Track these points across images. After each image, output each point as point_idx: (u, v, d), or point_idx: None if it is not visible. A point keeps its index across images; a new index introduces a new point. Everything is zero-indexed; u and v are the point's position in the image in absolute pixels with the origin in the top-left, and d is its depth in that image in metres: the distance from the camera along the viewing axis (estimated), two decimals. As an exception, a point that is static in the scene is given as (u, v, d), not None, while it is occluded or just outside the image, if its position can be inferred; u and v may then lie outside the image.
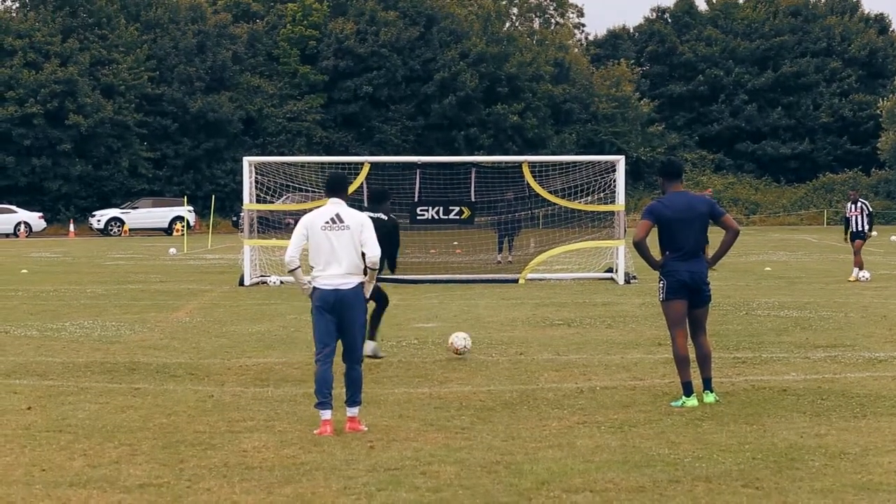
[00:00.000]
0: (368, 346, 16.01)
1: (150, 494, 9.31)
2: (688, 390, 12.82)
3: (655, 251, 12.94)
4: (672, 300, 12.91)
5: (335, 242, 11.72)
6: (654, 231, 12.98)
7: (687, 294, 12.89)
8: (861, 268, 30.75)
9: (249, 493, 9.32)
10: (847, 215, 31.68)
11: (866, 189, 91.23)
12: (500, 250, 37.19)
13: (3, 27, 79.17)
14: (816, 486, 9.34)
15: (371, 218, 15.56)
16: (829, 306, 23.67)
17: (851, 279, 30.44)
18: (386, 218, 16.42)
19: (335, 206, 11.94)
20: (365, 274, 11.86)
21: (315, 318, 11.83)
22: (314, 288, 11.81)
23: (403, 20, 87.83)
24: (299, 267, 11.94)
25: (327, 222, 11.80)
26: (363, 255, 11.81)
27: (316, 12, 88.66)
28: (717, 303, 21.96)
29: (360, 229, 11.81)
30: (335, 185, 12.13)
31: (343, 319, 11.72)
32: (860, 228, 31.15)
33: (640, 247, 12.82)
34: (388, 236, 15.71)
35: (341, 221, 11.79)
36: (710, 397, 12.89)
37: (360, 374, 11.79)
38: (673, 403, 12.80)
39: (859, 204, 31.49)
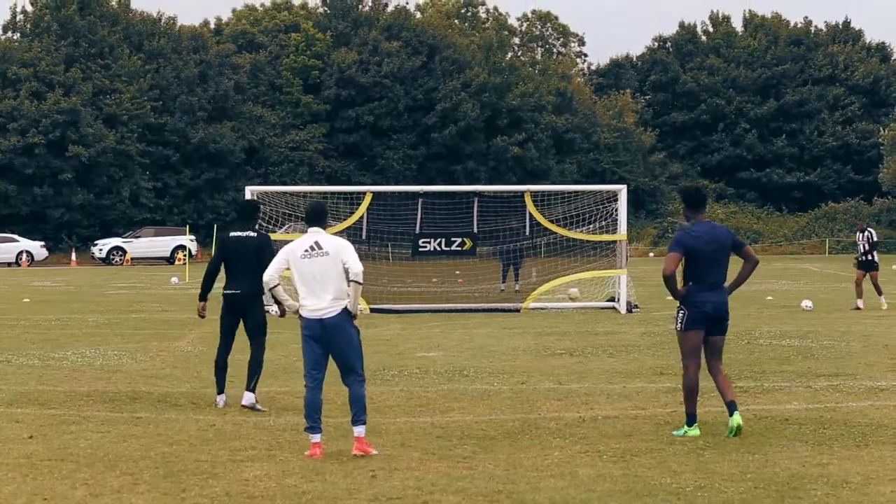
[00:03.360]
0: (247, 397, 14.92)
1: (151, 524, 9.32)
2: (691, 420, 12.78)
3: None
4: (690, 331, 12.79)
5: (316, 270, 11.90)
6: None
7: (706, 325, 12.78)
8: (880, 293, 31.02)
9: (251, 522, 9.32)
10: (858, 243, 32.03)
11: (868, 217, 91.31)
12: (505, 279, 37.11)
13: (7, 57, 79.42)
14: (818, 516, 9.34)
15: (237, 238, 15.26)
16: (830, 335, 23.65)
17: (885, 307, 30.50)
18: (255, 234, 15.38)
19: (314, 234, 12.15)
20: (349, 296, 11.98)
21: (303, 346, 12.10)
22: (300, 316, 12.02)
23: (406, 50, 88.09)
24: (279, 284, 12.30)
25: (306, 251, 12.00)
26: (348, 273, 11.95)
27: (319, 42, 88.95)
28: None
29: (340, 253, 11.94)
30: (314, 215, 12.33)
31: (331, 346, 11.91)
32: (868, 258, 31.29)
33: (670, 280, 12.64)
34: (257, 250, 15.00)
35: (320, 248, 11.96)
36: (737, 419, 12.67)
37: (362, 394, 11.85)
38: (675, 433, 12.80)
39: (866, 233, 31.72)
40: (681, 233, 12.96)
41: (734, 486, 10.33)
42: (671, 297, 13.16)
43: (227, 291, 15.28)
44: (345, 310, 11.89)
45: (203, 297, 15.59)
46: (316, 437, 11.86)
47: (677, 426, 13.06)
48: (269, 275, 12.25)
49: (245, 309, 15.27)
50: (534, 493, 10.12)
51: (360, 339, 12.08)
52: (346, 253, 11.95)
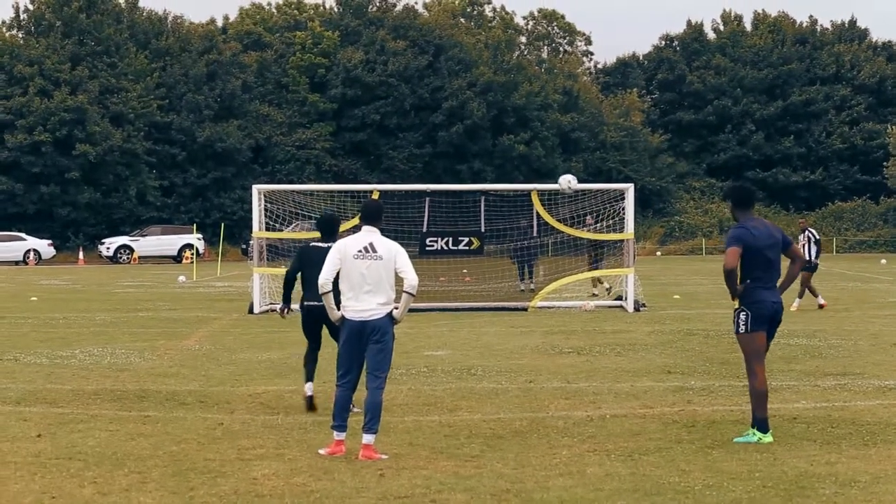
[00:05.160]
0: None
1: (160, 522, 9.32)
2: (764, 427, 12.36)
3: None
4: (757, 332, 12.39)
5: (366, 272, 11.71)
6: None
7: (767, 325, 12.50)
8: (815, 294, 30.68)
9: (260, 520, 9.32)
10: (801, 245, 31.69)
11: (875, 217, 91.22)
12: (522, 277, 36.96)
13: (14, 54, 79.52)
14: (827, 515, 9.33)
15: (318, 248, 14.52)
16: (838, 334, 23.64)
17: (793, 309, 30.08)
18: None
19: (369, 234, 11.93)
20: (397, 300, 11.85)
21: (340, 345, 11.93)
22: (343, 318, 11.84)
23: (412, 49, 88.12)
24: (332, 291, 11.93)
25: (360, 251, 11.78)
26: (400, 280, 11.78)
27: (326, 40, 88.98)
28: (727, 331, 21.95)
29: (394, 258, 11.78)
30: (370, 213, 12.06)
31: (369, 346, 11.76)
32: (808, 258, 30.87)
33: (732, 275, 12.25)
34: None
35: (374, 251, 11.76)
36: (768, 437, 12.38)
37: (381, 401, 11.76)
38: (744, 440, 12.37)
39: (807, 233, 31.48)
40: (740, 229, 12.43)
41: (742, 484, 10.32)
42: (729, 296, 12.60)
43: (308, 303, 14.78)
44: (389, 314, 11.82)
45: (285, 302, 15.45)
46: (340, 436, 11.85)
47: (688, 426, 13.03)
48: (325, 277, 11.89)
49: (327, 318, 14.05)
50: (542, 491, 10.12)
51: (394, 345, 12.03)
52: (401, 261, 11.78)
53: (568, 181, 30.17)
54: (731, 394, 15.53)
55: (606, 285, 35.11)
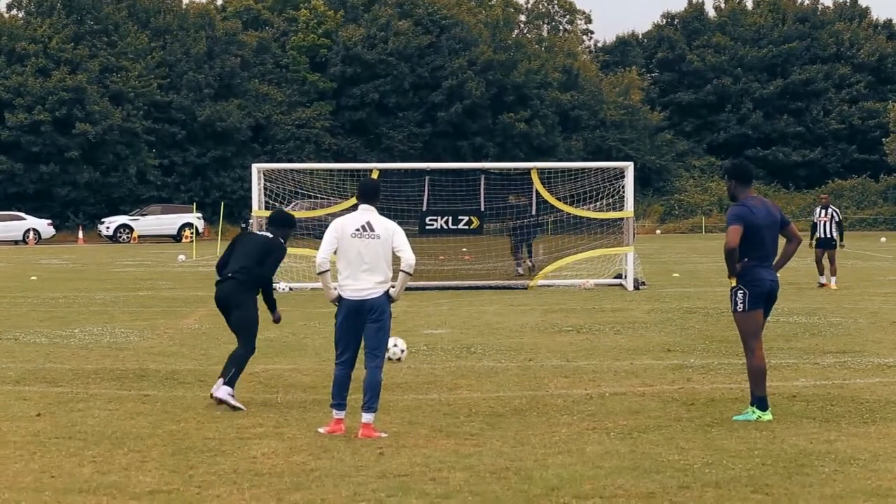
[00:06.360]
0: (224, 391, 13.24)
1: (159, 501, 9.31)
2: (763, 404, 12.34)
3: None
4: (754, 310, 12.35)
5: (364, 251, 11.70)
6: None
7: (764, 303, 12.46)
8: (834, 274, 30.29)
9: (259, 499, 9.32)
10: (815, 220, 31.33)
11: (875, 195, 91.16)
12: (516, 255, 36.66)
13: (13, 35, 79.30)
14: (826, 492, 9.33)
15: (253, 235, 14.18)
16: (838, 312, 23.63)
17: (833, 287, 30.02)
18: (270, 237, 13.92)
19: (366, 213, 11.90)
20: (394, 278, 11.85)
21: (338, 324, 11.89)
22: (340, 297, 11.83)
23: (416, 29, 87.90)
24: (328, 271, 11.91)
25: (357, 230, 11.77)
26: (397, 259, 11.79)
27: (329, 20, 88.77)
28: (727, 309, 21.94)
29: (392, 237, 11.77)
30: (367, 192, 12.02)
31: (367, 325, 11.76)
32: (827, 235, 30.60)
33: (734, 254, 12.16)
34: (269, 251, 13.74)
35: (371, 230, 11.75)
36: (768, 415, 12.38)
37: (380, 380, 11.78)
38: (743, 417, 12.37)
39: (829, 210, 31.09)
40: (741, 207, 12.33)
41: (742, 462, 10.32)
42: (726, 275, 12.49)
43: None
44: (387, 293, 11.81)
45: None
46: (339, 414, 11.88)
47: (687, 403, 13.04)
48: (322, 258, 11.82)
49: (223, 303, 14.12)
50: (541, 469, 10.12)
51: (391, 323, 12.02)
52: (398, 240, 11.78)
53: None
54: (730, 372, 15.54)
55: (529, 263, 35.09)
